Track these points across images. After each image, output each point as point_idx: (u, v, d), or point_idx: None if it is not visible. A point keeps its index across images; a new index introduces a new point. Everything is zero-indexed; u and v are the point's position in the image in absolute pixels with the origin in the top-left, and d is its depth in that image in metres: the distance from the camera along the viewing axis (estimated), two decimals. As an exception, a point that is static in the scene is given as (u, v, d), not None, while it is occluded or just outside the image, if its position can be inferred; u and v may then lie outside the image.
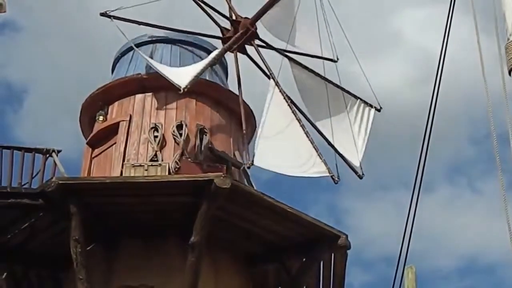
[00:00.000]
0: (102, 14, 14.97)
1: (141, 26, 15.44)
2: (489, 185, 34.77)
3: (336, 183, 14.68)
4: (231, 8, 15.65)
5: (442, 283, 31.08)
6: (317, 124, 15.61)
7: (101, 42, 28.59)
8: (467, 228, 34.14)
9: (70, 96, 29.48)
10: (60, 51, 32.19)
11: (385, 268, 32.94)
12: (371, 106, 16.17)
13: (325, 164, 14.53)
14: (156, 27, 15.71)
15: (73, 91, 28.29)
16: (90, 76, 26.91)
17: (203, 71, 13.98)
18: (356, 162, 15.42)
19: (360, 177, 15.49)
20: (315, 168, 14.44)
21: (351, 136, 15.63)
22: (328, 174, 14.45)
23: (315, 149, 14.65)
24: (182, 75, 13.79)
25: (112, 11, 14.86)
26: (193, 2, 15.60)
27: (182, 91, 13.42)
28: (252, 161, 13.57)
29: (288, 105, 14.94)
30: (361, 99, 16.13)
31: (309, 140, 14.67)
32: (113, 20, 14.78)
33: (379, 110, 16.19)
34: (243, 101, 15.07)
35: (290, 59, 15.81)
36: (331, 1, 15.72)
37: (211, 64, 14.50)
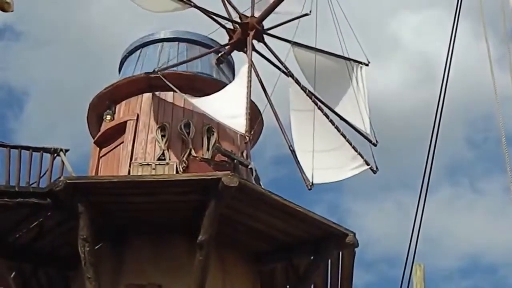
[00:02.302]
0: (147, 73, 14.58)
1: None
2: (490, 185, 34.90)
3: (375, 173, 14.81)
4: (235, 9, 15.55)
5: (444, 283, 31.10)
6: (326, 101, 15.54)
7: (101, 46, 28.77)
8: (469, 228, 34.21)
9: (70, 99, 29.68)
10: (60, 56, 32.30)
11: (387, 268, 33.00)
12: (360, 63, 16.13)
13: (361, 156, 14.68)
14: (185, 62, 15.29)
15: (73, 94, 28.53)
16: (91, 79, 27.02)
17: (248, 103, 13.72)
18: (366, 128, 15.42)
19: (375, 145, 15.45)
20: (354, 163, 14.61)
21: (354, 102, 15.62)
22: (367, 167, 14.61)
23: (349, 142, 14.76)
24: (234, 116, 13.51)
25: (158, 70, 14.44)
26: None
27: (248, 139, 13.22)
28: (312, 182, 13.81)
29: (313, 101, 14.96)
30: (352, 60, 16.05)
31: (341, 134, 14.76)
32: (159, 73, 14.33)
33: (367, 65, 16.13)
34: (251, 101, 15.09)
35: (292, 43, 15.72)
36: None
37: (250, 85, 14.22)
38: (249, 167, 14.48)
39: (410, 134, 26.55)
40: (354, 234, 13.04)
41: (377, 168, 14.95)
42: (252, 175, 14.52)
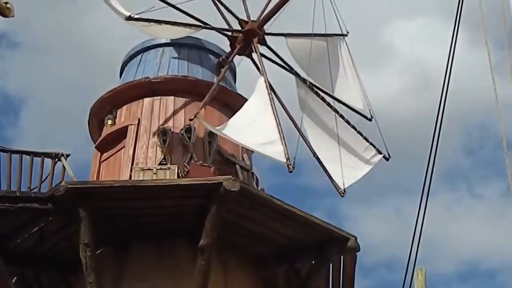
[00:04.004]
0: (190, 119, 13.92)
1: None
2: (488, 191, 34.96)
3: (387, 160, 14.97)
4: (234, 16, 15.47)
5: (443, 288, 31.08)
6: (322, 85, 15.48)
7: (98, 53, 28.80)
8: (468, 232, 34.24)
9: (66, 108, 29.71)
10: (57, 63, 32.34)
11: (386, 273, 33.01)
12: (340, 35, 16.10)
13: (374, 146, 14.74)
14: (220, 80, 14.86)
15: (70, 103, 28.57)
16: (88, 88, 27.07)
17: (279, 124, 13.43)
18: (359, 105, 15.41)
19: (370, 120, 15.45)
20: (367, 154, 14.82)
21: (345, 79, 15.62)
22: (380, 156, 14.89)
23: (360, 133, 14.81)
24: (269, 143, 13.18)
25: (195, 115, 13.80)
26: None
27: (292, 169, 12.87)
28: (344, 189, 13.95)
29: (321, 98, 14.94)
30: (333, 35, 16.00)
31: (352, 127, 14.80)
32: (198, 117, 13.73)
33: (346, 35, 16.08)
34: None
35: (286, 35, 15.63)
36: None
37: (273, 102, 13.98)
38: (250, 171, 14.50)
39: (407, 140, 26.56)
40: (356, 238, 13.04)
41: (389, 155, 15.05)
42: (253, 179, 14.54)
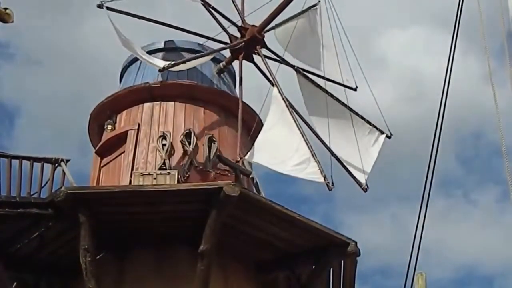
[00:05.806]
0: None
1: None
2: (483, 197, 35.06)
3: (389, 138, 15.19)
4: (233, 24, 15.49)
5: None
6: (308, 64, 15.62)
7: (93, 63, 28.87)
8: (464, 238, 34.30)
9: (62, 116, 29.75)
10: (52, 73, 32.39)
11: (383, 280, 33.03)
12: (313, 7, 16.12)
13: (375, 127, 15.10)
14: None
15: (65, 111, 28.60)
16: (83, 96, 27.13)
17: (307, 141, 13.61)
18: (344, 74, 15.62)
19: (355, 90, 15.73)
20: (372, 137, 15.02)
21: (328, 52, 15.67)
22: (383, 136, 15.09)
23: (362, 118, 14.99)
24: (302, 163, 13.26)
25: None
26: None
27: (331, 188, 12.97)
28: (366, 184, 14.18)
29: (324, 91, 15.03)
30: (307, 9, 16.06)
31: (355, 113, 15.05)
32: (245, 159, 13.93)
33: (319, 2, 16.12)
34: (253, 110, 15.09)
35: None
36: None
37: (294, 116, 14.13)
38: (251, 176, 14.49)
39: (402, 149, 26.66)
40: (356, 243, 13.04)
41: (391, 134, 15.23)
42: (254, 184, 14.54)
